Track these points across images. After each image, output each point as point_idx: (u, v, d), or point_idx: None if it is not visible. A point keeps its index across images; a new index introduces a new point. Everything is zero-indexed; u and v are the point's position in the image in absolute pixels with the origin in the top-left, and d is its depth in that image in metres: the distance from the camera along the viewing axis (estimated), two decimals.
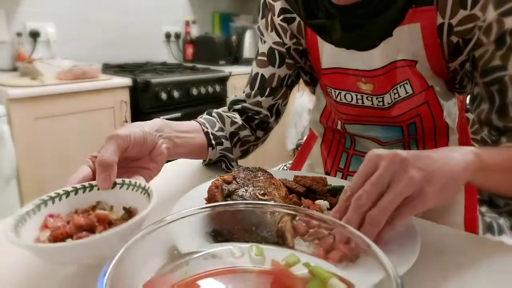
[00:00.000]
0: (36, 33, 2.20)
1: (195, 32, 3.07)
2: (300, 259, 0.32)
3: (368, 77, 0.72)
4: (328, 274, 0.30)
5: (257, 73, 0.84)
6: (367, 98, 0.75)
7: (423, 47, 0.66)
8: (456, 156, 0.48)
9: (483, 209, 0.78)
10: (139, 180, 0.53)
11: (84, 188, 0.51)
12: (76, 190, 0.50)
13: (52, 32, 2.29)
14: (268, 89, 0.83)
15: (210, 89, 2.39)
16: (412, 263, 0.44)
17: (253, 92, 0.84)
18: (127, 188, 0.51)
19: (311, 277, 0.30)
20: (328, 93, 0.81)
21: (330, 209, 0.57)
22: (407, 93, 0.71)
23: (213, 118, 0.80)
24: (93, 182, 0.51)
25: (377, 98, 0.74)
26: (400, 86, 0.71)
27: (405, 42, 0.66)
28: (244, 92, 0.86)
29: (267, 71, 0.83)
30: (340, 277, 0.30)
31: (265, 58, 0.83)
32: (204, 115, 0.82)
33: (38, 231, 0.45)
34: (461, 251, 0.53)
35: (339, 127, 0.85)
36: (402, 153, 0.45)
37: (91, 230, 0.44)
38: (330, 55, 0.75)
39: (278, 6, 0.78)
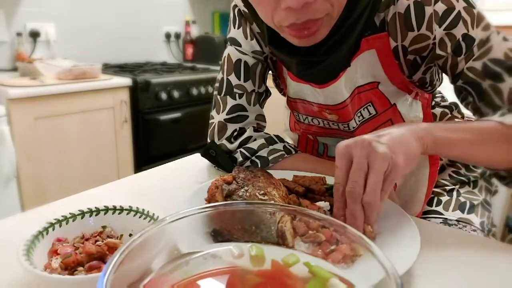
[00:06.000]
0: (36, 33, 2.20)
1: (195, 32, 3.07)
2: (300, 259, 0.32)
3: (333, 109, 0.74)
4: (328, 274, 0.30)
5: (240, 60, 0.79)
6: (333, 124, 0.78)
7: (382, 69, 0.68)
8: (407, 130, 0.54)
9: (462, 190, 0.81)
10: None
11: (91, 212, 0.51)
12: (82, 214, 0.50)
13: (52, 32, 2.29)
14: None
15: (210, 89, 2.39)
16: (412, 263, 0.44)
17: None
18: (134, 215, 0.51)
19: (311, 277, 0.30)
20: (295, 116, 0.84)
21: (330, 209, 0.57)
22: (370, 114, 0.74)
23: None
24: (100, 206, 0.51)
25: (342, 124, 0.77)
26: (363, 109, 0.74)
27: (363, 68, 0.68)
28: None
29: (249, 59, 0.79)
30: (340, 277, 0.30)
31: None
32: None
33: (47, 256, 0.45)
34: (461, 251, 0.53)
35: (310, 136, 0.90)
36: (366, 137, 0.51)
37: (102, 258, 0.45)
38: (293, 87, 0.77)
39: None
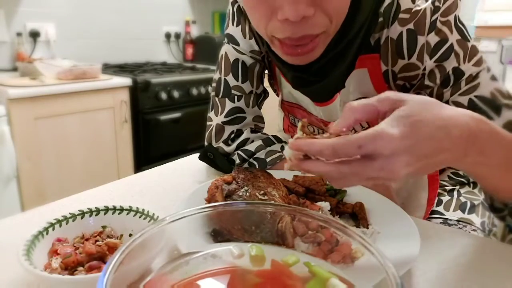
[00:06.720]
0: (36, 33, 2.20)
1: (195, 32, 3.07)
2: (300, 259, 0.32)
3: (327, 124, 0.74)
4: (328, 274, 0.30)
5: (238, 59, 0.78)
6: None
7: (373, 88, 0.66)
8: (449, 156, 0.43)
9: (463, 190, 0.80)
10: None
11: (91, 212, 0.51)
12: (82, 214, 0.50)
13: (52, 32, 2.28)
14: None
15: (210, 89, 2.39)
16: (412, 263, 0.44)
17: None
18: (134, 215, 0.51)
19: (311, 277, 0.30)
20: (290, 120, 0.84)
21: (331, 210, 0.57)
22: (363, 127, 0.73)
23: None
24: (100, 206, 0.52)
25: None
26: None
27: (356, 85, 0.66)
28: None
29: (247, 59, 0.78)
30: (340, 277, 0.30)
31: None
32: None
33: (47, 256, 0.45)
34: (461, 251, 0.53)
35: None
36: (404, 154, 0.38)
37: (102, 258, 0.45)
38: (290, 91, 0.75)
39: None
